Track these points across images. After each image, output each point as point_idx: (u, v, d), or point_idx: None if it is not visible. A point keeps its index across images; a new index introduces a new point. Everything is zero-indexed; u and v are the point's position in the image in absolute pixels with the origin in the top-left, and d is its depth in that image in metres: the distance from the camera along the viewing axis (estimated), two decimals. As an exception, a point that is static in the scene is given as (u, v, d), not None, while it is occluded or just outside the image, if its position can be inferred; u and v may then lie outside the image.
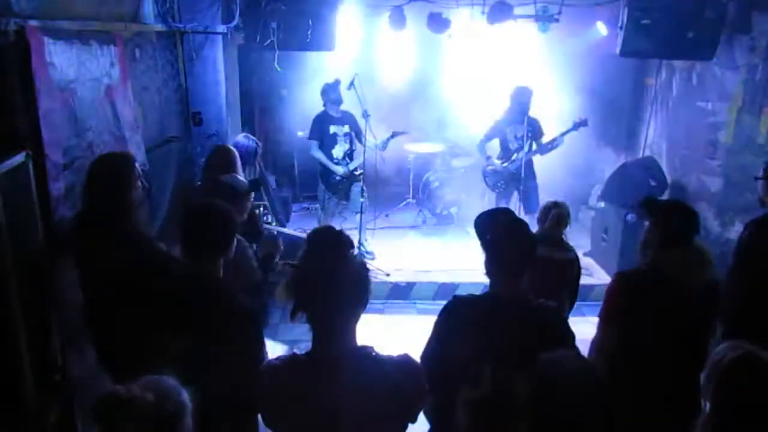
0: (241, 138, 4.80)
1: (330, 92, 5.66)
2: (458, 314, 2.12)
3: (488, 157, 6.00)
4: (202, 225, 2.22)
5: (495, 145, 6.04)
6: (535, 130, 5.73)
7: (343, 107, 5.77)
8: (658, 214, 2.57)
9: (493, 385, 1.72)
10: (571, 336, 2.13)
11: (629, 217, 5.46)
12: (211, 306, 2.12)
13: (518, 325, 2.00)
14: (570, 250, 3.47)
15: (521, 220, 2.26)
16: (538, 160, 5.92)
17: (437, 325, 2.15)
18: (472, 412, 1.72)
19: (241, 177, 3.91)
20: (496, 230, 2.15)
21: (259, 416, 1.84)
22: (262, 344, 2.16)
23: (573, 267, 3.42)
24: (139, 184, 2.72)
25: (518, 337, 1.95)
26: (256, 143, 4.77)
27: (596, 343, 2.59)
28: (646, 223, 2.62)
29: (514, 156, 5.79)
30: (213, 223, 2.23)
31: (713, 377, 1.65)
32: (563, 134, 5.63)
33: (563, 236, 3.51)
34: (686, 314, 2.41)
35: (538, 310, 2.10)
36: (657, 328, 2.41)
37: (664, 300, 2.40)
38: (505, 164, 5.91)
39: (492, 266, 2.10)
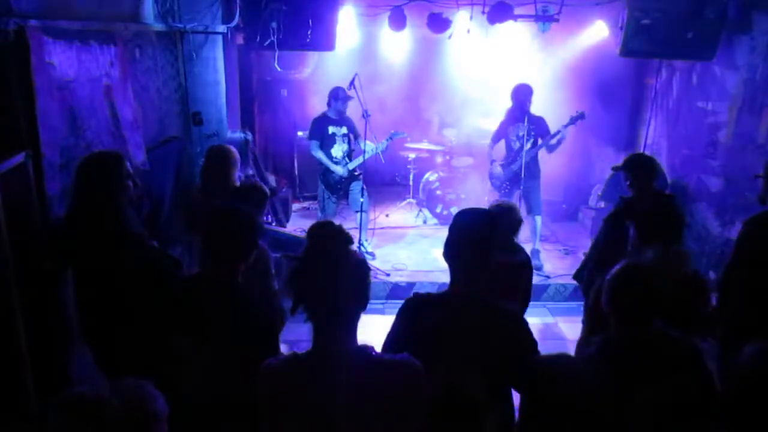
0: (230, 134, 4.86)
1: (339, 98, 5.75)
2: (414, 312, 2.09)
3: (492, 161, 6.06)
4: (226, 231, 2.19)
5: (503, 146, 6.07)
6: (540, 128, 5.74)
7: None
8: (636, 215, 2.57)
9: (446, 386, 1.71)
10: (531, 342, 2.06)
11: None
12: (229, 311, 2.09)
13: (474, 325, 1.97)
14: (520, 252, 3.36)
15: (487, 219, 2.16)
16: (540, 160, 5.92)
17: (394, 323, 2.12)
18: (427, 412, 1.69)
19: (238, 175, 3.94)
20: (453, 225, 2.12)
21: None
22: (276, 351, 2.13)
23: (524, 270, 3.31)
24: (130, 183, 2.68)
25: (474, 337, 1.93)
26: (244, 133, 4.80)
27: (580, 342, 2.59)
28: (628, 224, 2.61)
29: (524, 150, 5.78)
30: (238, 230, 2.21)
31: (734, 373, 1.65)
32: (561, 129, 5.63)
33: (515, 239, 3.39)
34: (662, 312, 2.41)
35: (495, 312, 2.04)
36: (635, 327, 2.41)
37: (641, 299, 2.40)
38: (507, 165, 5.92)
39: (448, 262, 2.10)
